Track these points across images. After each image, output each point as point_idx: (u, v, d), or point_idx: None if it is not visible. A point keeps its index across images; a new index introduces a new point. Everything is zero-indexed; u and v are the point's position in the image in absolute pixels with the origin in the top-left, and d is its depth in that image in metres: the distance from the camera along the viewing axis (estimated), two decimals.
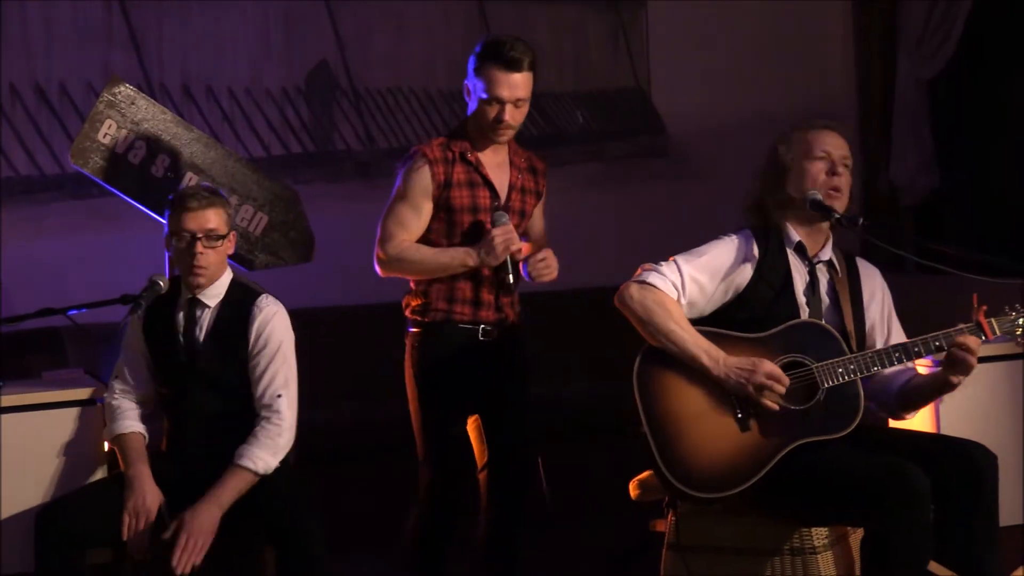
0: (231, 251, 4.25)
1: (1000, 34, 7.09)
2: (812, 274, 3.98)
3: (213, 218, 4.14)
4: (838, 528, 3.92)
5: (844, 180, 3.97)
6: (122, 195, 4.80)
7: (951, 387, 3.90)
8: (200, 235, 4.11)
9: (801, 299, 3.94)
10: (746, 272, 3.93)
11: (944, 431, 4.27)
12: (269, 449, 4.06)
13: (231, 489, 4.01)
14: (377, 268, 4.35)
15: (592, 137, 7.20)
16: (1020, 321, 3.93)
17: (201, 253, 4.11)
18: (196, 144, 4.83)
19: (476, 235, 4.28)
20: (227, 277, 4.23)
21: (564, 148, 6.99)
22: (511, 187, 4.36)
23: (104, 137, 4.74)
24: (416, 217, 4.30)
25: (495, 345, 4.34)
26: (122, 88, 4.77)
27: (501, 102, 4.22)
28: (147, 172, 4.78)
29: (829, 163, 3.98)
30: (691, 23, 7.31)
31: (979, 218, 7.28)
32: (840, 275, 4.01)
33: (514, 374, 4.41)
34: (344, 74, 6.75)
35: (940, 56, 7.23)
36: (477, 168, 4.31)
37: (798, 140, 4.03)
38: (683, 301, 3.88)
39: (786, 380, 3.79)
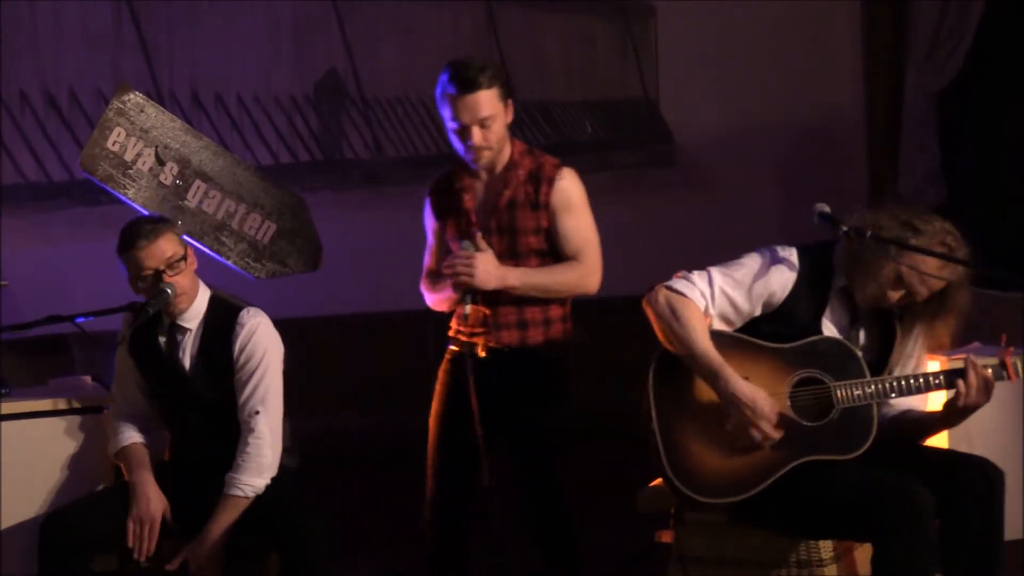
0: (196, 265, 4.18)
1: (1009, 47, 7.08)
2: (854, 316, 3.94)
3: (166, 246, 4.07)
4: (843, 544, 3.92)
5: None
6: (130, 203, 4.80)
7: (953, 420, 3.90)
8: (163, 268, 4.06)
9: (831, 330, 3.92)
10: (780, 293, 3.89)
11: (950, 441, 4.27)
12: (253, 472, 4.05)
13: (226, 519, 4.03)
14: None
15: (600, 146, 7.20)
16: None
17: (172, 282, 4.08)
18: (205, 152, 4.84)
19: None
20: (204, 295, 4.18)
21: (572, 157, 6.94)
22: (494, 208, 4.24)
23: (113, 144, 4.74)
24: (433, 249, 4.38)
25: (491, 369, 4.21)
26: (131, 96, 4.78)
27: (466, 127, 4.13)
28: (156, 180, 4.79)
29: (908, 294, 3.86)
30: (700, 33, 7.31)
31: (986, 231, 7.27)
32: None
33: (514, 399, 4.28)
34: (353, 82, 6.76)
35: (948, 68, 7.22)
36: (460, 195, 4.27)
37: (915, 262, 3.79)
38: (712, 311, 3.88)
39: (772, 430, 3.76)
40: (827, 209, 3.91)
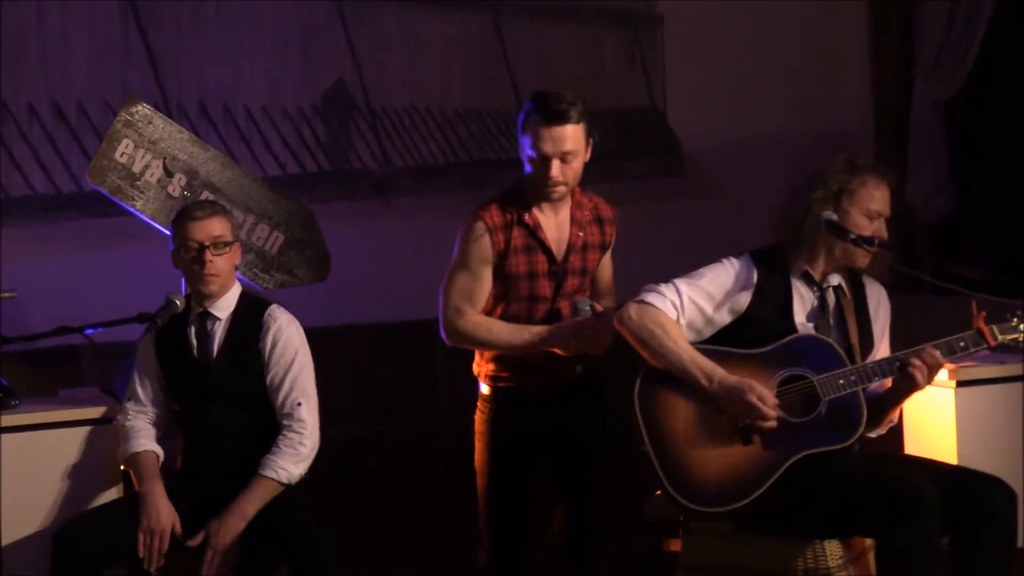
0: (238, 261, 4.26)
1: (1017, 55, 7.08)
2: (822, 299, 3.99)
3: (218, 226, 4.15)
4: (855, 547, 3.92)
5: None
6: (138, 214, 4.82)
7: (909, 390, 3.91)
8: (208, 244, 4.12)
9: (805, 326, 3.95)
10: (744, 296, 3.95)
11: (959, 455, 4.28)
12: (292, 458, 4.08)
13: (256, 499, 4.04)
14: (444, 338, 4.17)
15: (608, 156, 7.20)
16: (1022, 327, 3.94)
17: (211, 261, 4.12)
18: (212, 163, 4.86)
19: (532, 300, 4.11)
20: (236, 290, 4.25)
21: None
22: (570, 248, 4.14)
23: (121, 156, 4.76)
24: (479, 286, 4.11)
25: (545, 405, 4.14)
26: (139, 108, 4.79)
27: (547, 158, 4.03)
28: (164, 191, 4.80)
29: (877, 224, 3.95)
30: (707, 42, 7.31)
31: (995, 239, 7.27)
32: (848, 296, 4.02)
33: (570, 426, 4.19)
34: (360, 93, 6.77)
35: (957, 77, 7.22)
36: (534, 232, 4.11)
37: (858, 185, 3.95)
38: (682, 321, 3.92)
39: (773, 401, 3.80)
40: (834, 217, 3.93)
